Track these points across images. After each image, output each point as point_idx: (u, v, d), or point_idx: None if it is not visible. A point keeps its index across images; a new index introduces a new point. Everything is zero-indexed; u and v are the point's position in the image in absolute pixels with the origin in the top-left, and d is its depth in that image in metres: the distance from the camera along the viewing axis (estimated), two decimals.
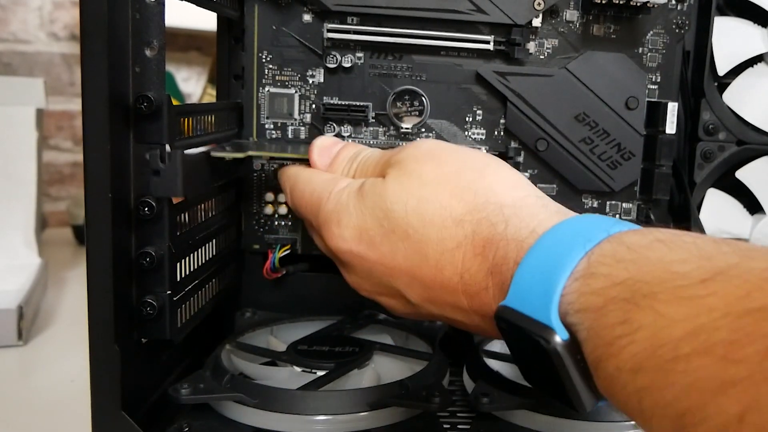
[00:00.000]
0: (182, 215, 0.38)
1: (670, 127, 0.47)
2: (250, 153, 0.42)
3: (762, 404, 0.18)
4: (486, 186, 0.33)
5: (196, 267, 0.40)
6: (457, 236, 0.32)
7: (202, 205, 0.42)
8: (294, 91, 0.48)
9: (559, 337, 0.26)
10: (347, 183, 0.37)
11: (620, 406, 0.24)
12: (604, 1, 0.47)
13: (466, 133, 0.49)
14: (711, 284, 0.21)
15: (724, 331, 0.20)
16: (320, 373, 0.40)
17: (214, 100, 0.64)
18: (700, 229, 0.47)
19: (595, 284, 0.25)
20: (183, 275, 0.38)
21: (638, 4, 0.46)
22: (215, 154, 0.40)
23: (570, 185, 0.49)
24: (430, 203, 0.33)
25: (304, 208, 0.39)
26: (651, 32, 0.49)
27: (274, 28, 0.47)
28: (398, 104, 0.48)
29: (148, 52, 0.33)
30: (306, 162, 0.42)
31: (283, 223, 0.49)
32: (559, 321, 0.26)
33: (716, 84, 0.49)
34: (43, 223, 0.88)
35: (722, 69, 0.49)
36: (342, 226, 0.35)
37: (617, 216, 0.50)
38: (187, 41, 1.15)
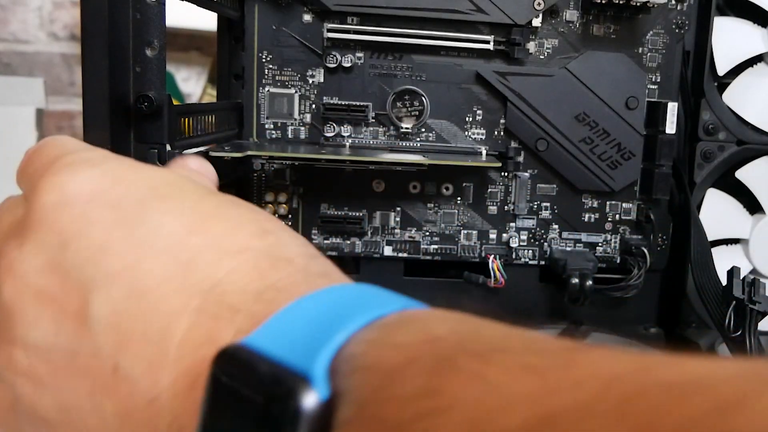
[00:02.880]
0: None
1: (670, 127, 0.47)
2: (249, 153, 0.42)
3: None
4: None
5: None
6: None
7: None
8: (294, 91, 0.48)
9: (316, 395, 0.16)
10: None
11: None
12: (604, 1, 0.47)
13: (466, 133, 0.49)
14: (574, 354, 0.15)
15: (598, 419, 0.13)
16: None
17: (214, 100, 0.64)
18: (701, 229, 0.47)
19: (403, 337, 0.17)
20: None
21: (638, 4, 0.46)
22: (214, 153, 0.40)
23: (570, 185, 0.49)
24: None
25: None
26: (651, 32, 0.49)
27: (274, 28, 0.47)
28: (398, 104, 0.48)
29: (148, 52, 0.33)
30: (307, 161, 0.42)
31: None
32: (325, 374, 0.17)
33: (716, 84, 0.49)
34: None
35: (722, 69, 0.49)
36: None
37: (617, 216, 0.50)
38: (187, 41, 1.15)
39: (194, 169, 0.30)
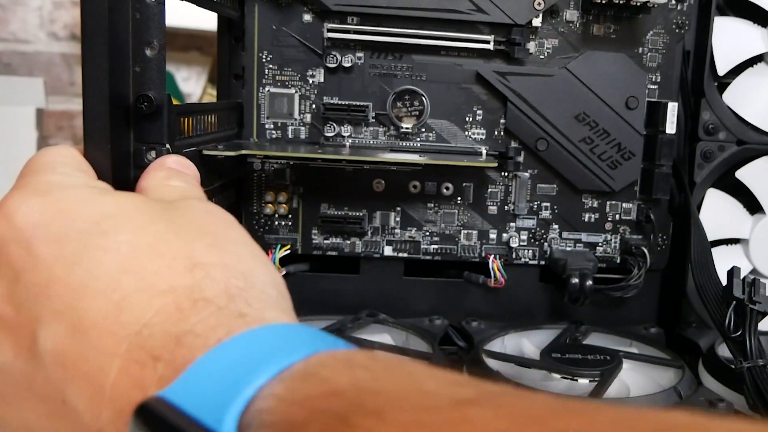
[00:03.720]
0: None
1: (670, 127, 0.47)
2: (243, 152, 0.42)
3: None
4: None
5: None
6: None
7: None
8: (294, 91, 0.48)
9: None
10: None
11: None
12: (604, 1, 0.47)
13: (466, 133, 0.49)
14: (466, 409, 0.16)
15: None
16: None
17: (214, 100, 0.64)
18: (701, 229, 0.47)
19: (307, 390, 0.18)
20: None
21: (638, 4, 0.46)
22: (207, 152, 0.40)
23: (570, 185, 0.49)
24: None
25: None
26: (651, 32, 0.49)
27: (274, 28, 0.47)
28: (398, 104, 0.48)
29: (148, 52, 0.33)
30: (305, 161, 0.42)
31: (283, 223, 0.49)
32: (235, 430, 0.18)
33: (716, 84, 0.49)
34: None
35: (722, 69, 0.49)
36: None
37: (617, 216, 0.50)
38: (187, 41, 1.15)
39: (173, 167, 0.31)
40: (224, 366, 0.20)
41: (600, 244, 0.51)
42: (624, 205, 0.50)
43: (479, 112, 0.49)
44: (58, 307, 0.22)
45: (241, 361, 0.20)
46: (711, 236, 0.48)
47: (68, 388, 0.22)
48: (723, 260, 0.46)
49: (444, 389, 0.17)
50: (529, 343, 0.47)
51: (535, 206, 0.50)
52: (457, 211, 0.50)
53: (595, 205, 0.50)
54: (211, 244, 0.24)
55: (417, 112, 0.48)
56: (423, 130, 0.49)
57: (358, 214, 0.49)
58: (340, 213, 0.49)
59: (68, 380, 0.22)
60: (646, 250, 0.49)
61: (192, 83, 1.18)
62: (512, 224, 0.50)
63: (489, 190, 0.50)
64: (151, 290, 0.22)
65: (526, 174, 0.49)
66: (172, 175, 0.30)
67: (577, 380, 0.41)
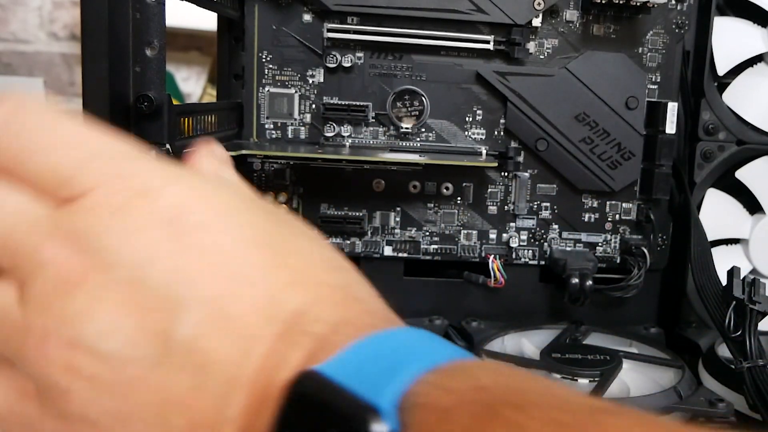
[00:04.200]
0: None
1: (670, 127, 0.47)
2: (244, 152, 0.42)
3: None
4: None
5: None
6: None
7: None
8: (294, 91, 0.48)
9: (386, 426, 0.18)
10: None
11: None
12: (604, 1, 0.47)
13: (466, 133, 0.49)
14: (601, 416, 0.17)
15: None
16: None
17: (214, 100, 0.64)
18: (701, 229, 0.47)
19: (455, 383, 0.19)
20: None
21: (638, 4, 0.46)
22: None
23: (570, 185, 0.49)
24: None
25: None
26: (651, 32, 0.49)
27: (274, 28, 0.47)
28: (398, 104, 0.48)
29: (148, 52, 0.33)
30: (304, 161, 0.42)
31: None
32: (395, 409, 0.18)
33: (716, 84, 0.49)
34: None
35: (722, 69, 0.49)
36: None
37: (617, 216, 0.50)
38: (187, 41, 1.15)
39: (223, 159, 0.30)
40: (380, 352, 0.20)
41: (600, 244, 0.51)
42: (624, 205, 0.50)
43: (479, 112, 0.49)
44: (207, 295, 0.22)
45: (394, 352, 0.20)
46: (711, 236, 0.48)
47: (202, 375, 0.21)
48: (723, 260, 0.46)
49: (579, 397, 0.18)
50: (529, 343, 0.47)
51: (535, 206, 0.50)
52: (457, 211, 0.50)
53: (595, 205, 0.50)
54: (334, 252, 0.25)
55: (417, 112, 0.48)
56: (423, 130, 0.49)
57: (357, 214, 0.49)
58: (340, 213, 0.49)
59: (204, 366, 0.21)
60: (646, 250, 0.49)
61: (192, 83, 1.18)
62: (512, 224, 0.50)
63: (489, 190, 0.50)
64: (304, 284, 0.23)
65: (526, 174, 0.49)
66: (224, 170, 0.29)
67: (576, 380, 0.41)
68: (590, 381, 0.40)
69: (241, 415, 0.21)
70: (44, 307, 0.22)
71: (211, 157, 0.29)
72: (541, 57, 0.48)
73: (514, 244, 0.50)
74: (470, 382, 0.19)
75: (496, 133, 0.49)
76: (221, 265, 0.22)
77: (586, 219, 0.50)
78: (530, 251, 0.50)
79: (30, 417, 0.23)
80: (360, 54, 0.48)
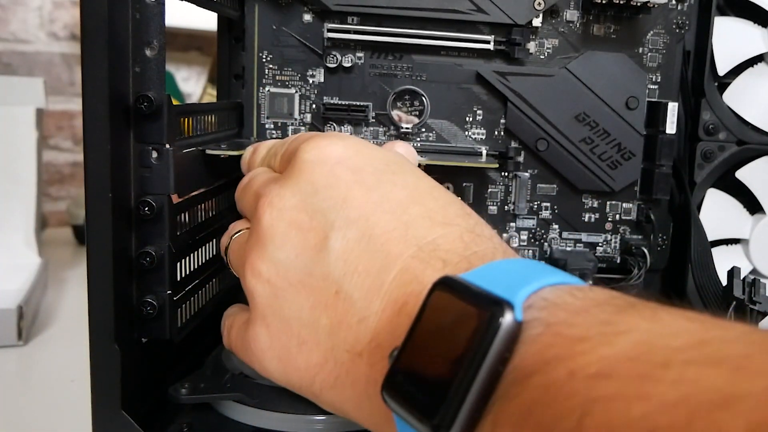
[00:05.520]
0: (183, 215, 0.38)
1: (670, 127, 0.47)
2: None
3: None
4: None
5: (196, 267, 0.40)
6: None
7: (203, 205, 0.42)
8: (294, 91, 0.48)
9: (512, 315, 0.20)
10: None
11: (535, 427, 0.18)
12: (604, 1, 0.47)
13: (466, 133, 0.49)
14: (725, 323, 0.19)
15: (739, 345, 0.16)
16: None
17: (214, 100, 0.64)
18: (701, 229, 0.47)
19: (586, 293, 0.21)
20: (183, 275, 0.38)
21: (638, 4, 0.46)
22: (210, 152, 0.40)
23: (570, 185, 0.49)
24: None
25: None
26: (651, 32, 0.49)
27: (274, 27, 0.47)
28: (398, 104, 0.48)
29: (148, 52, 0.33)
30: None
31: None
32: (521, 306, 0.21)
33: (716, 84, 0.49)
34: (43, 223, 0.88)
35: (722, 69, 0.49)
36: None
37: (617, 216, 0.50)
38: (187, 41, 1.15)
39: (401, 152, 0.36)
40: (510, 270, 0.23)
41: (600, 244, 0.51)
42: (624, 205, 0.50)
43: (479, 112, 0.49)
44: (353, 216, 0.27)
45: (523, 270, 0.23)
46: (711, 236, 0.48)
47: (347, 281, 0.26)
48: (723, 260, 0.46)
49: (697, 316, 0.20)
50: None
51: (535, 206, 0.50)
52: None
53: (595, 205, 0.50)
54: (466, 206, 0.30)
55: (417, 112, 0.48)
56: (423, 130, 0.49)
57: None
58: None
59: (348, 275, 0.26)
60: (646, 250, 0.49)
61: (192, 83, 1.18)
62: (512, 224, 0.50)
63: (489, 190, 0.50)
64: (435, 219, 0.27)
65: (526, 174, 0.49)
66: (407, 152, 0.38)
67: None
68: None
69: (377, 319, 0.25)
70: (250, 235, 0.31)
71: (400, 144, 0.38)
72: (542, 57, 0.48)
73: (514, 244, 0.50)
74: (601, 294, 0.21)
75: (496, 133, 0.49)
76: (366, 196, 0.28)
77: (587, 219, 0.50)
78: (530, 251, 0.50)
79: (244, 337, 0.31)
80: (360, 54, 0.48)
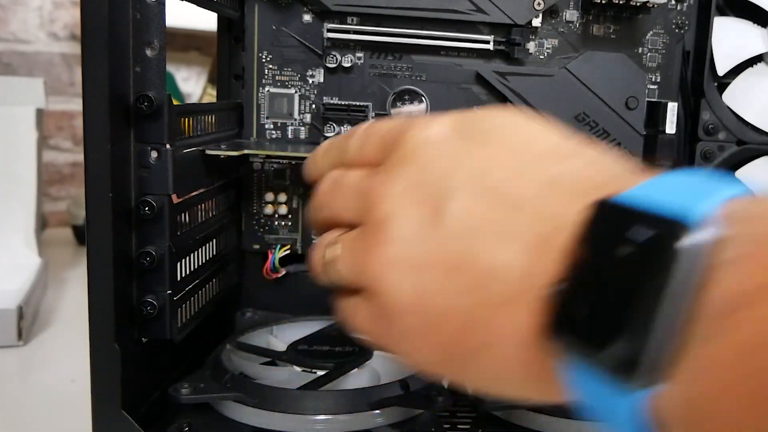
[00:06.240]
0: (182, 215, 0.38)
1: (670, 127, 0.47)
2: (246, 151, 0.42)
3: None
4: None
5: (196, 266, 0.40)
6: None
7: (203, 205, 0.42)
8: (294, 91, 0.48)
9: (699, 235, 0.17)
10: None
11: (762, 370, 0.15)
12: (604, 1, 0.47)
13: None
14: None
15: None
16: (320, 372, 0.40)
17: (214, 100, 0.64)
18: None
19: (762, 203, 0.18)
20: (183, 275, 0.38)
21: (638, 4, 0.46)
22: (210, 152, 0.40)
23: None
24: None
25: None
26: (651, 32, 0.49)
27: (274, 28, 0.47)
28: (398, 104, 0.48)
29: (148, 52, 0.33)
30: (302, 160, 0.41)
31: (283, 223, 0.49)
32: (705, 221, 0.18)
33: (716, 84, 0.49)
34: (43, 223, 0.88)
35: (722, 69, 0.49)
36: None
37: None
38: (187, 41, 1.15)
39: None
40: (676, 184, 0.20)
41: None
42: None
43: None
44: (463, 179, 0.27)
45: (694, 183, 0.20)
46: None
47: (474, 245, 0.25)
48: None
49: None
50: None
51: None
52: None
53: None
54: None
55: (417, 112, 0.48)
56: None
57: None
58: None
59: (475, 237, 0.25)
60: None
61: (192, 83, 1.18)
62: None
63: None
64: (560, 153, 0.27)
65: None
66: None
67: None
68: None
69: (521, 260, 0.24)
70: (366, 234, 0.29)
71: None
72: (541, 57, 0.48)
73: None
74: None
75: None
76: (485, 152, 0.27)
77: None
78: None
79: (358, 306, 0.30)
80: (360, 54, 0.48)
